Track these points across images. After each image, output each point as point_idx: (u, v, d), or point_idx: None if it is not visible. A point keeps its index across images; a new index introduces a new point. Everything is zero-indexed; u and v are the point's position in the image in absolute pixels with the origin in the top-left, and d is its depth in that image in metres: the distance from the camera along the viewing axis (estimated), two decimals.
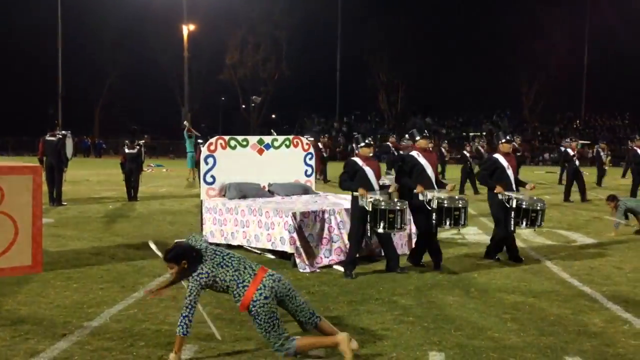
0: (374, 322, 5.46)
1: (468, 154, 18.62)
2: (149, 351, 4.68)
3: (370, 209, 7.09)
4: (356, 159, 7.49)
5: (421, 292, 6.56)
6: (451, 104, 55.70)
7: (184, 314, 4.46)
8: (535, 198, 8.12)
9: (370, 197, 7.12)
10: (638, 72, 51.40)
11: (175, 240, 4.80)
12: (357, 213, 7.26)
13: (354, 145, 7.75)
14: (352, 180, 7.34)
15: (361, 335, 5.08)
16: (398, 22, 55.76)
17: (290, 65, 57.14)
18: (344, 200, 9.11)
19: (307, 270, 7.43)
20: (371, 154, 7.55)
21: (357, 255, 7.45)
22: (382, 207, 7.03)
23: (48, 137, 14.05)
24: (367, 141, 7.51)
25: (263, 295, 4.51)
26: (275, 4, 55.64)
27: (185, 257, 4.61)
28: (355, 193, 7.24)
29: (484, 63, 55.89)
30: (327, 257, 7.80)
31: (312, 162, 10.28)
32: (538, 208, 7.91)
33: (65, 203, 14.02)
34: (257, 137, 9.79)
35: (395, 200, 7.24)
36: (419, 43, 55.68)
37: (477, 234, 10.41)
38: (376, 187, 7.35)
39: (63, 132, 14.82)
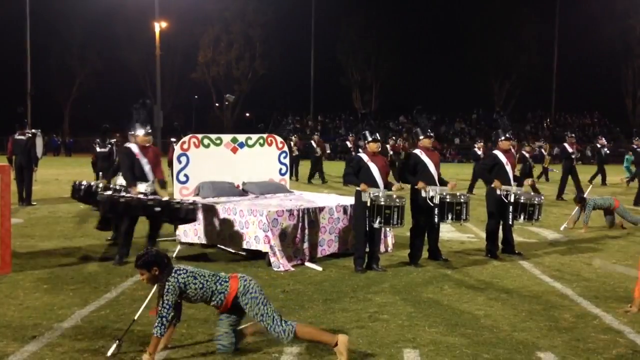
0: (348, 320, 5.47)
1: (527, 154, 17.12)
2: (121, 352, 4.62)
3: (369, 204, 7.19)
4: (362, 155, 7.56)
5: (396, 289, 6.60)
6: (424, 102, 56.16)
7: (161, 315, 4.38)
8: (532, 193, 8.41)
9: (371, 193, 7.20)
10: (606, 72, 52.45)
11: (146, 247, 4.80)
12: (359, 208, 7.32)
13: (361, 141, 7.89)
14: (356, 175, 7.39)
15: (336, 333, 5.07)
16: (371, 21, 56.05)
17: (263, 63, 56.97)
18: (318, 199, 9.12)
19: (282, 268, 7.41)
20: (378, 150, 7.59)
21: (366, 250, 7.51)
22: (380, 203, 7.11)
23: (17, 136, 13.78)
24: (374, 137, 7.54)
25: (247, 279, 4.64)
26: (249, 2, 55.39)
27: (157, 263, 4.52)
28: (357, 188, 7.32)
29: (456, 62, 56.44)
30: (297, 257, 7.79)
31: (287, 161, 10.25)
32: (535, 202, 8.24)
33: (34, 203, 13.77)
34: (230, 136, 9.71)
35: (394, 197, 7.29)
36: (392, 42, 56.05)
37: (450, 231, 10.50)
38: (380, 183, 7.40)
39: (33, 130, 14.50)
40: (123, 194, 7.58)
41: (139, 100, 8.09)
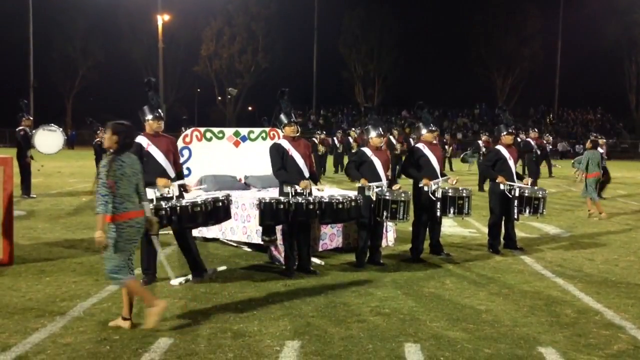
0: (350, 314, 5.47)
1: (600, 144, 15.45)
2: (123, 345, 4.63)
3: (374, 199, 7.20)
4: (365, 149, 7.57)
5: (397, 284, 6.60)
6: (426, 97, 56.03)
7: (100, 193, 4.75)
8: (536, 187, 8.41)
9: (376, 188, 7.22)
10: (610, 67, 52.27)
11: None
12: (363, 202, 7.29)
13: (364, 135, 7.83)
14: (358, 169, 7.42)
15: (337, 327, 5.09)
16: (374, 15, 55.90)
17: (266, 57, 56.88)
18: (321, 193, 9.10)
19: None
20: (382, 145, 7.61)
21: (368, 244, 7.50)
22: (386, 198, 7.13)
23: (17, 129, 14.17)
24: (377, 132, 7.55)
25: (120, 230, 4.82)
26: None
27: (120, 133, 4.89)
28: (358, 183, 7.35)
29: (459, 56, 56.35)
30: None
31: None
32: (540, 196, 8.24)
33: (34, 195, 13.80)
34: (233, 129, 9.72)
35: (400, 191, 7.30)
36: (394, 36, 55.94)
37: (452, 226, 10.50)
38: (383, 178, 7.41)
39: (52, 126, 14.64)
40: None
41: (143, 96, 7.23)
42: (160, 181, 6.26)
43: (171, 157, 6.54)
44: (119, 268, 4.83)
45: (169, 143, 6.62)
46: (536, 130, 19.05)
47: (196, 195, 7.00)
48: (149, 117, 6.51)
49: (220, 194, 6.62)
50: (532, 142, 17.03)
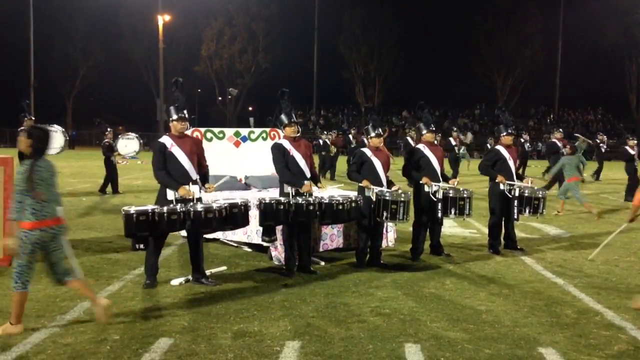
0: (350, 314, 5.47)
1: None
2: (124, 345, 4.63)
3: (374, 199, 7.20)
4: (365, 150, 7.56)
5: (398, 284, 6.60)
6: (427, 97, 55.90)
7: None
8: (536, 187, 8.43)
9: (376, 188, 7.22)
10: (610, 67, 52.29)
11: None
12: (363, 203, 7.30)
13: (364, 136, 7.80)
14: (359, 170, 7.42)
15: (337, 327, 5.09)
16: (374, 15, 55.94)
17: (267, 57, 56.90)
18: (321, 193, 9.11)
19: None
20: (381, 145, 7.60)
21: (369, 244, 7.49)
22: (386, 198, 7.12)
23: (18, 130, 14.19)
24: (377, 132, 7.54)
25: (34, 237, 4.75)
26: None
27: (34, 137, 4.85)
28: (360, 184, 7.34)
29: (459, 57, 56.37)
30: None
31: None
32: (540, 196, 8.25)
33: None
34: (233, 130, 9.72)
35: (400, 192, 7.29)
36: (395, 36, 55.98)
37: (452, 226, 10.51)
38: (383, 179, 7.41)
39: (50, 125, 14.65)
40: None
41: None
42: (182, 190, 6.17)
43: (195, 158, 6.43)
44: (20, 274, 4.79)
45: (193, 144, 6.52)
46: (561, 130, 18.46)
47: (215, 198, 6.88)
48: (174, 117, 6.40)
49: (238, 200, 6.49)
50: (559, 143, 16.54)
